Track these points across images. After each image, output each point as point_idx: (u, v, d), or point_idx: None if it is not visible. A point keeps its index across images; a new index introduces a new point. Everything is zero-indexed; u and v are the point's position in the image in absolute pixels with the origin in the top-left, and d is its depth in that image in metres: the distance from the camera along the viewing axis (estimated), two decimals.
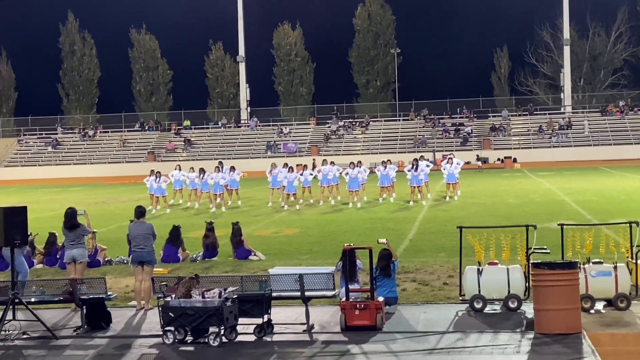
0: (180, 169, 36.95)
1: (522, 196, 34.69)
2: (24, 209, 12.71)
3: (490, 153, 70.89)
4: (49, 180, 69.40)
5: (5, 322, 12.20)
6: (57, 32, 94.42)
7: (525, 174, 53.89)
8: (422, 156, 37.40)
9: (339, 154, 70.01)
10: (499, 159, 68.65)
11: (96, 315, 12.80)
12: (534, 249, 13.29)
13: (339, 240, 20.86)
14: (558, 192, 35.73)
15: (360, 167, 33.36)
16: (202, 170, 35.02)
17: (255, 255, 19.39)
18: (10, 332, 12.40)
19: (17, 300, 12.45)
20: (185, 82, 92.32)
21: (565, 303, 11.24)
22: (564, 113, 79.01)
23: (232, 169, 35.44)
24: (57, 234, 19.47)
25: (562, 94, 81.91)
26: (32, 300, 13.12)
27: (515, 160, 66.86)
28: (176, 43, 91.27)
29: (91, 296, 12.76)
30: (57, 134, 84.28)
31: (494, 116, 79.75)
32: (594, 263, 13.09)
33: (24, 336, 12.42)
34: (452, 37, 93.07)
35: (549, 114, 79.02)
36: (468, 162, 62.49)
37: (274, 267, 14.57)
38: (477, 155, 66.10)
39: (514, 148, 71.81)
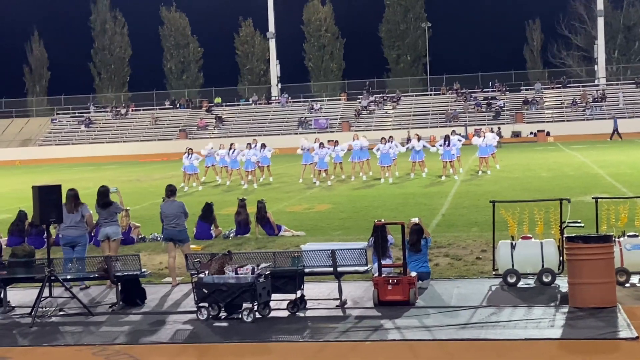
0: (211, 147, 37.05)
1: (556, 170, 34.41)
2: (58, 188, 12.82)
3: (523, 126, 70.29)
4: (82, 158, 70.03)
5: (42, 299, 12.33)
6: (88, 11, 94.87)
7: (559, 147, 53.41)
8: (453, 131, 37.31)
9: (370, 130, 69.83)
10: (532, 133, 68.06)
11: (131, 292, 12.90)
12: (568, 222, 13.17)
13: (371, 216, 20.83)
14: (592, 165, 35.39)
15: (391, 142, 33.25)
16: (231, 146, 35.07)
17: (287, 231, 19.43)
18: (47, 308, 12.55)
19: (53, 278, 12.57)
20: (215, 60, 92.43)
21: (600, 277, 11.13)
22: (597, 85, 78.09)
23: (263, 146, 35.50)
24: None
25: (595, 66, 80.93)
26: (68, 277, 13.27)
27: (548, 133, 66.23)
28: (206, 20, 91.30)
29: (126, 273, 12.85)
30: (89, 112, 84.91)
31: (526, 89, 79.02)
32: (629, 236, 12.96)
33: (61, 313, 12.57)
34: (483, 10, 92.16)
35: (583, 86, 78.14)
36: (500, 136, 62.10)
37: (306, 243, 14.58)
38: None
39: (547, 121, 71.15)
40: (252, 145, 34.89)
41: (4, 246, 14.90)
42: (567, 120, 71.51)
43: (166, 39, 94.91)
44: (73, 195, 14.38)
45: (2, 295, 13.00)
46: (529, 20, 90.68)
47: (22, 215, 19.82)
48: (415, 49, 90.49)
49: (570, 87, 78.42)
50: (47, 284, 12.54)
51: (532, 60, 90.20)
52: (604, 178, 29.55)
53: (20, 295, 13.80)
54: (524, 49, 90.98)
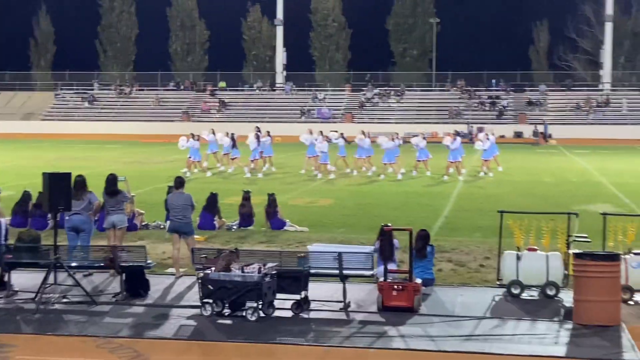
0: (214, 133, 36.96)
1: (558, 175, 34.40)
2: (68, 175, 12.80)
3: (525, 127, 70.21)
4: (85, 135, 69.86)
5: (47, 285, 12.33)
6: None
7: (561, 150, 53.35)
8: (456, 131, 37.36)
9: (374, 122, 69.75)
10: (534, 133, 67.94)
11: (135, 283, 12.90)
12: (575, 237, 13.18)
13: (374, 214, 20.87)
14: (594, 173, 35.38)
15: (397, 139, 33.26)
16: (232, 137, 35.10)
17: (291, 226, 19.43)
18: (51, 295, 12.54)
19: (59, 265, 12.56)
20: (221, 43, 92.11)
21: (607, 295, 11.16)
22: (602, 90, 77.99)
23: (267, 134, 35.51)
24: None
25: (601, 71, 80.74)
26: (73, 264, 13.26)
27: (550, 136, 66.12)
28: (214, 3, 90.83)
29: (131, 264, 12.85)
30: (93, 89, 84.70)
31: (531, 90, 78.92)
32: (635, 254, 12.96)
33: (64, 300, 12.55)
34: (492, 9, 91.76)
35: (588, 90, 78.04)
36: (502, 136, 62.05)
37: (312, 243, 14.58)
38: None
39: (550, 123, 71.04)
40: (259, 135, 34.87)
41: (8, 226, 14.82)
42: (570, 124, 71.42)
43: (173, 20, 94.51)
44: (81, 181, 14.40)
45: (6, 279, 13.00)
46: (536, 21, 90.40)
47: (27, 196, 19.82)
48: (422, 43, 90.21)
49: (574, 90, 78.28)
50: (53, 271, 12.53)
51: (537, 62, 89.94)
52: (607, 187, 29.54)
53: (23, 279, 13.78)
54: (530, 49, 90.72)
